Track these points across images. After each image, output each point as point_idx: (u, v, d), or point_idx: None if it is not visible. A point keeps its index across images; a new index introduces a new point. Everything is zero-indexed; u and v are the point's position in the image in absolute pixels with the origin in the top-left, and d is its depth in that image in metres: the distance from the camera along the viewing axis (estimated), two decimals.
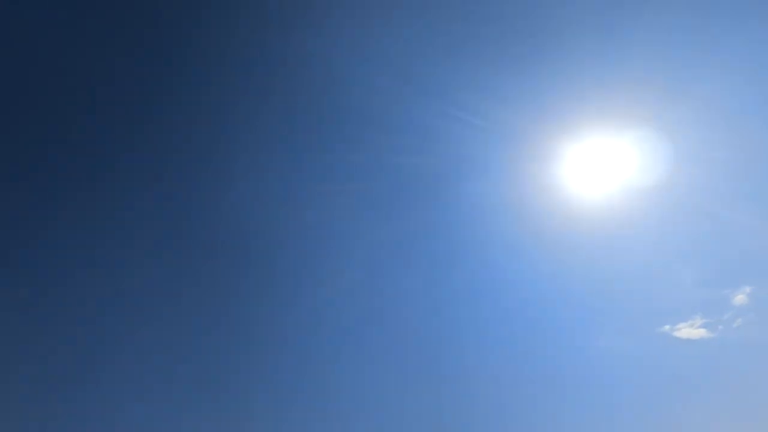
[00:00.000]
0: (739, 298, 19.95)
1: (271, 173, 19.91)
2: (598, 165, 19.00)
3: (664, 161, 18.53)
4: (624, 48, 18.25)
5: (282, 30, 18.55)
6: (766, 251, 19.47)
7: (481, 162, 19.78)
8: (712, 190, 19.15)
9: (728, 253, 19.91)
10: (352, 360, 19.69)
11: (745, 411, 18.89)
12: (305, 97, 19.36)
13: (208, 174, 19.56)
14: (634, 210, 19.57)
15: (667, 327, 20.12)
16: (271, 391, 19.07)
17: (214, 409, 18.17)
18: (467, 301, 20.44)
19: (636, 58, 18.15)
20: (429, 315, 20.23)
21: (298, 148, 19.69)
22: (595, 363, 20.33)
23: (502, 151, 19.43)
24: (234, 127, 19.44)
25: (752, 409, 18.84)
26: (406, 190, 20.26)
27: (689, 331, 19.98)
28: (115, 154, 18.84)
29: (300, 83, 19.21)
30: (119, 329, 18.40)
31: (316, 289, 19.95)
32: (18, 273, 18.07)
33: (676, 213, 19.56)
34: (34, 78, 17.71)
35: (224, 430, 17.79)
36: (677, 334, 20.01)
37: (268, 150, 19.81)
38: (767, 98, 18.14)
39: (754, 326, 19.62)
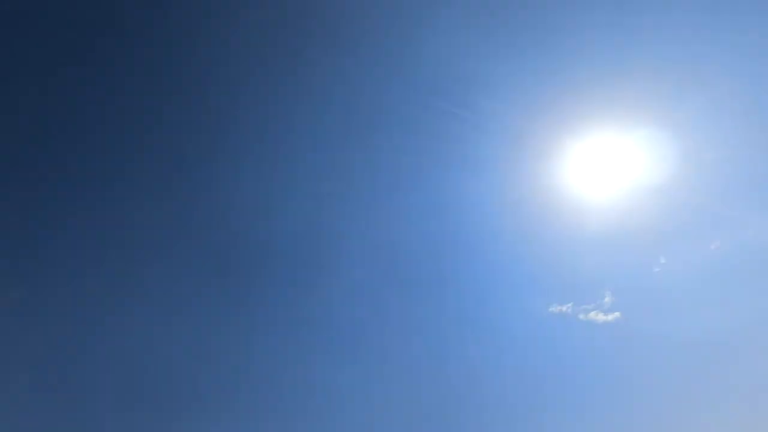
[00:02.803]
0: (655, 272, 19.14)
1: (272, 173, 20.00)
2: (593, 162, 18.83)
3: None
4: (629, 45, 18.10)
5: (282, 31, 18.63)
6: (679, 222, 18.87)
7: (482, 160, 19.77)
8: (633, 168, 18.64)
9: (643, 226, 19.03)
10: (352, 358, 19.71)
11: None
12: (306, 96, 19.44)
13: (209, 174, 19.62)
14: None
15: (569, 305, 18.96)
16: (272, 389, 19.12)
17: (215, 409, 18.22)
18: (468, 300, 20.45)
19: (641, 56, 18.00)
20: (429, 314, 20.24)
21: (298, 149, 19.77)
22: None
23: (504, 150, 19.43)
24: (235, 127, 19.54)
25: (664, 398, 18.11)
26: (407, 189, 20.29)
27: (597, 314, 18.94)
28: (118, 154, 18.92)
29: (300, 83, 19.28)
30: (121, 329, 18.45)
31: (317, 288, 19.97)
32: (23, 272, 18.18)
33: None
34: (34, 80, 17.83)
35: (225, 429, 17.83)
36: (583, 316, 18.93)
37: (269, 150, 19.90)
38: None
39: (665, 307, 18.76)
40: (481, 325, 19.92)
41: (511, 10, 18.25)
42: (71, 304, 18.20)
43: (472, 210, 20.08)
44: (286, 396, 18.99)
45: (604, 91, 18.02)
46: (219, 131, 19.42)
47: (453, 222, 20.17)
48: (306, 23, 18.45)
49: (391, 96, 19.06)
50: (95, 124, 18.50)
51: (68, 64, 17.91)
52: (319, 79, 19.08)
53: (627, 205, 18.98)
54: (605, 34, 18.05)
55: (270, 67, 19.10)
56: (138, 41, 18.26)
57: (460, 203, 20.13)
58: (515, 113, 18.63)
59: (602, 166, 18.69)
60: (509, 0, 18.21)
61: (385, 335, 19.80)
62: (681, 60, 17.92)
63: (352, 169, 19.73)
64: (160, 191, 19.26)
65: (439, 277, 20.29)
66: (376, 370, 19.39)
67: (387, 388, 19.07)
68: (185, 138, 19.24)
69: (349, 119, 19.49)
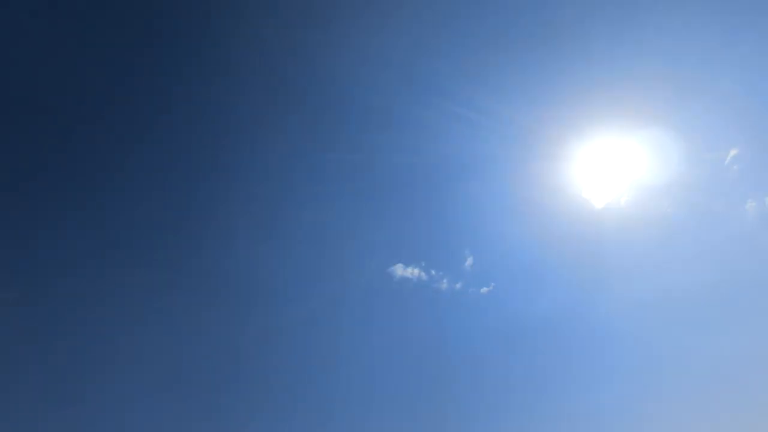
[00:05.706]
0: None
1: (271, 173, 19.96)
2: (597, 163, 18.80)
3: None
4: (633, 46, 18.09)
5: (282, 29, 18.54)
6: None
7: (486, 161, 19.73)
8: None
9: None
10: (352, 359, 19.71)
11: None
12: (306, 96, 19.37)
13: (208, 174, 19.63)
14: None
15: (420, 265, 17.13)
16: (271, 389, 19.14)
17: (214, 409, 18.22)
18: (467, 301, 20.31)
19: (645, 57, 17.98)
20: (430, 315, 20.18)
21: (298, 149, 19.71)
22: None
23: (507, 150, 19.41)
24: (234, 127, 19.49)
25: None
26: (410, 189, 20.26)
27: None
28: (116, 154, 18.94)
29: (301, 82, 19.23)
30: (120, 330, 18.46)
31: (316, 288, 19.96)
32: (24, 275, 18.17)
33: None
34: (34, 81, 17.77)
35: (223, 430, 17.84)
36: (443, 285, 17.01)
37: (268, 150, 19.84)
38: None
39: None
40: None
41: (517, 13, 18.20)
42: (69, 304, 18.23)
43: None
44: (285, 395, 19.09)
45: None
46: (225, 133, 19.44)
47: None
48: (308, 22, 18.39)
49: (396, 96, 19.01)
50: (96, 125, 18.56)
51: (70, 66, 17.88)
52: (321, 77, 19.07)
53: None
54: (610, 37, 18.04)
55: (270, 66, 19.08)
56: (135, 40, 18.21)
57: None
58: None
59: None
60: (517, 4, 18.14)
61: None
62: (683, 62, 17.92)
63: (355, 170, 19.70)
64: (158, 191, 19.29)
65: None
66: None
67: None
68: (192, 140, 19.30)
69: (352, 120, 19.48)
